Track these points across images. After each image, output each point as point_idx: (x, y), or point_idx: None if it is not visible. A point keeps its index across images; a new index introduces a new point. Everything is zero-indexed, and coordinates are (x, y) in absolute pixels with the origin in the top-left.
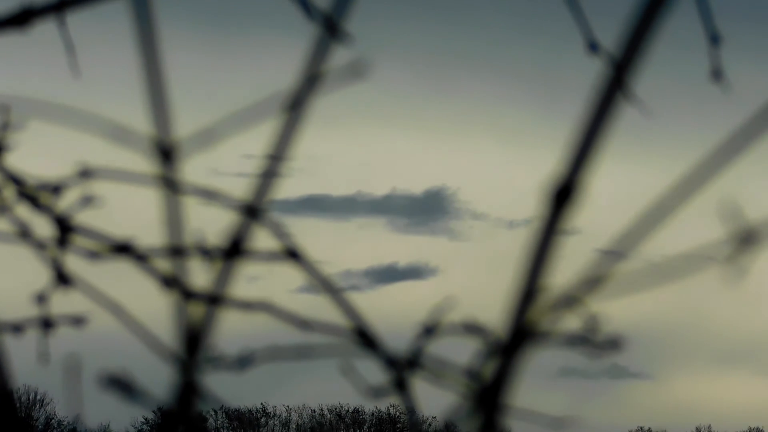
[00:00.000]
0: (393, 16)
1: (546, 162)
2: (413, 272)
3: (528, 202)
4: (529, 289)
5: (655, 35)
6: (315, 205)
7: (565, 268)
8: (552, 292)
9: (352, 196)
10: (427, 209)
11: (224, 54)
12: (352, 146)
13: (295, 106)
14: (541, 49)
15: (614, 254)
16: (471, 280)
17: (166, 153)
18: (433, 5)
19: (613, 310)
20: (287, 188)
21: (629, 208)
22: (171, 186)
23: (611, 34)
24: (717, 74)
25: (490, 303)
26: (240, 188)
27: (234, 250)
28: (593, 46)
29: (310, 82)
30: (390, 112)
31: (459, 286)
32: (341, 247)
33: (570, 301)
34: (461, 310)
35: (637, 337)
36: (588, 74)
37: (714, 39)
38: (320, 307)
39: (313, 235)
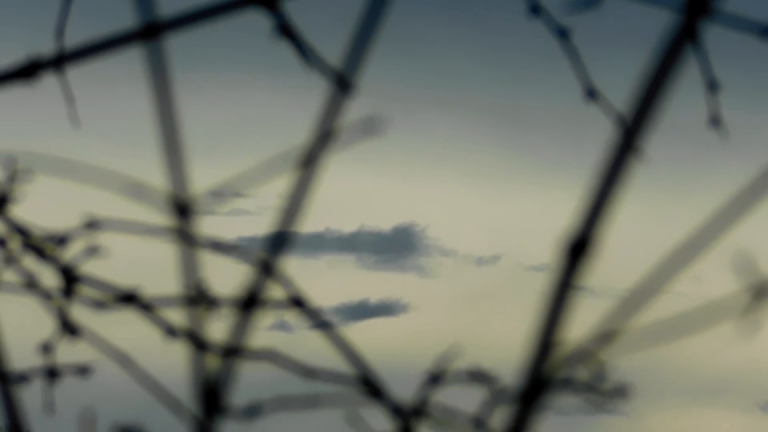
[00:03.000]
0: None
1: (513, 198)
2: (385, 309)
3: (496, 239)
4: (546, 342)
5: (665, 98)
6: (294, 242)
7: (580, 319)
8: (567, 344)
9: (321, 233)
10: (396, 246)
11: (232, 99)
12: (319, 182)
13: (309, 163)
14: (509, 83)
15: (628, 306)
16: (443, 316)
17: (182, 209)
18: (395, 40)
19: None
20: (254, 226)
21: (641, 258)
22: (186, 239)
23: (610, 79)
24: (715, 121)
25: (464, 338)
26: (242, 228)
27: (249, 302)
28: (591, 94)
29: (323, 138)
30: (356, 147)
31: (431, 322)
32: (311, 284)
33: (585, 354)
34: (436, 346)
35: (610, 374)
36: (556, 110)
37: (712, 86)
38: (297, 345)
39: (286, 272)
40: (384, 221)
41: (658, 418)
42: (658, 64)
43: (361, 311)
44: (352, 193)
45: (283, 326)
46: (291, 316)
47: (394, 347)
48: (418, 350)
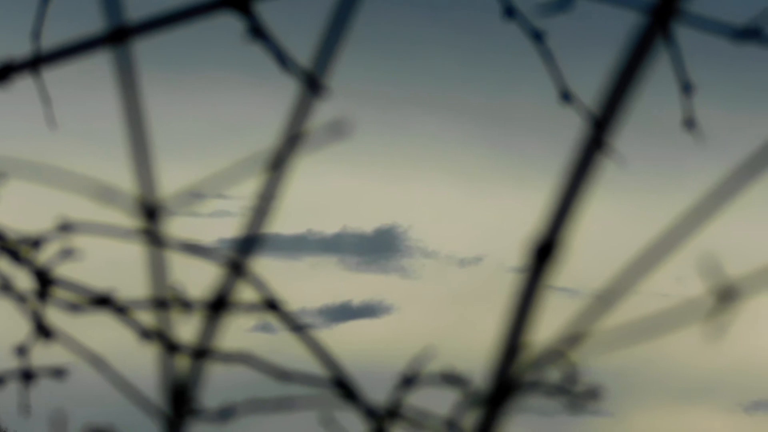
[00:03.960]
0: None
1: (495, 199)
2: (368, 310)
3: (478, 240)
4: (513, 343)
5: (635, 93)
6: (265, 244)
7: (550, 317)
8: (536, 346)
9: (303, 234)
10: (378, 247)
11: (199, 100)
12: (301, 184)
13: (278, 165)
14: (490, 84)
15: (598, 306)
16: (426, 318)
17: (151, 212)
18: (378, 39)
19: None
20: (236, 228)
21: (609, 252)
22: (155, 241)
23: (584, 80)
24: (690, 123)
25: (447, 340)
26: (216, 230)
27: (219, 304)
28: (566, 96)
29: (292, 140)
30: (338, 148)
31: (414, 323)
32: (294, 285)
33: (554, 355)
34: (418, 347)
35: (594, 374)
36: (538, 110)
37: (686, 88)
38: (280, 347)
39: (265, 274)
40: (366, 222)
41: (642, 419)
42: (627, 62)
43: (344, 313)
44: (334, 194)
45: (265, 328)
46: (270, 318)
47: (377, 349)
48: (400, 352)
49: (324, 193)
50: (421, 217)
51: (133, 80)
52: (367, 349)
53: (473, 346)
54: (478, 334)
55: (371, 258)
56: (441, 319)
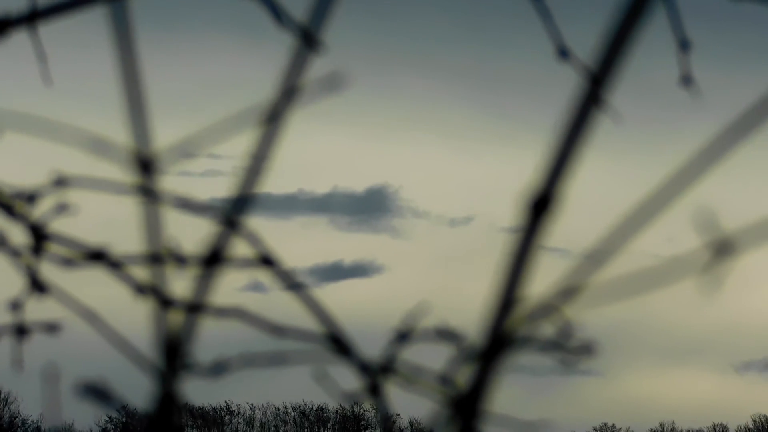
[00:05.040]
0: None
1: (485, 160)
2: (359, 270)
3: (469, 200)
4: (508, 298)
5: (631, 49)
6: (256, 204)
7: (543, 276)
8: (529, 300)
9: (294, 194)
10: (369, 207)
11: (195, 57)
12: (292, 143)
13: (273, 119)
14: (480, 45)
15: (591, 263)
16: (417, 278)
17: (146, 165)
18: (369, 2)
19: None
20: (227, 187)
21: (604, 214)
22: (150, 196)
23: (580, 40)
24: (687, 80)
25: (438, 299)
26: (209, 188)
27: (213, 259)
28: (563, 53)
29: (288, 94)
30: (330, 108)
31: (406, 283)
32: (285, 245)
33: (547, 310)
34: (409, 306)
35: (585, 334)
36: (527, 72)
37: (683, 45)
38: (271, 306)
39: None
40: (357, 182)
41: (633, 379)
42: (624, 18)
43: (336, 272)
44: (325, 154)
45: (257, 287)
46: (264, 277)
47: (368, 308)
48: (392, 310)
49: (314, 152)
50: (412, 177)
51: (128, 36)
52: (359, 308)
53: (464, 305)
54: (468, 293)
55: (362, 218)
56: (432, 278)
